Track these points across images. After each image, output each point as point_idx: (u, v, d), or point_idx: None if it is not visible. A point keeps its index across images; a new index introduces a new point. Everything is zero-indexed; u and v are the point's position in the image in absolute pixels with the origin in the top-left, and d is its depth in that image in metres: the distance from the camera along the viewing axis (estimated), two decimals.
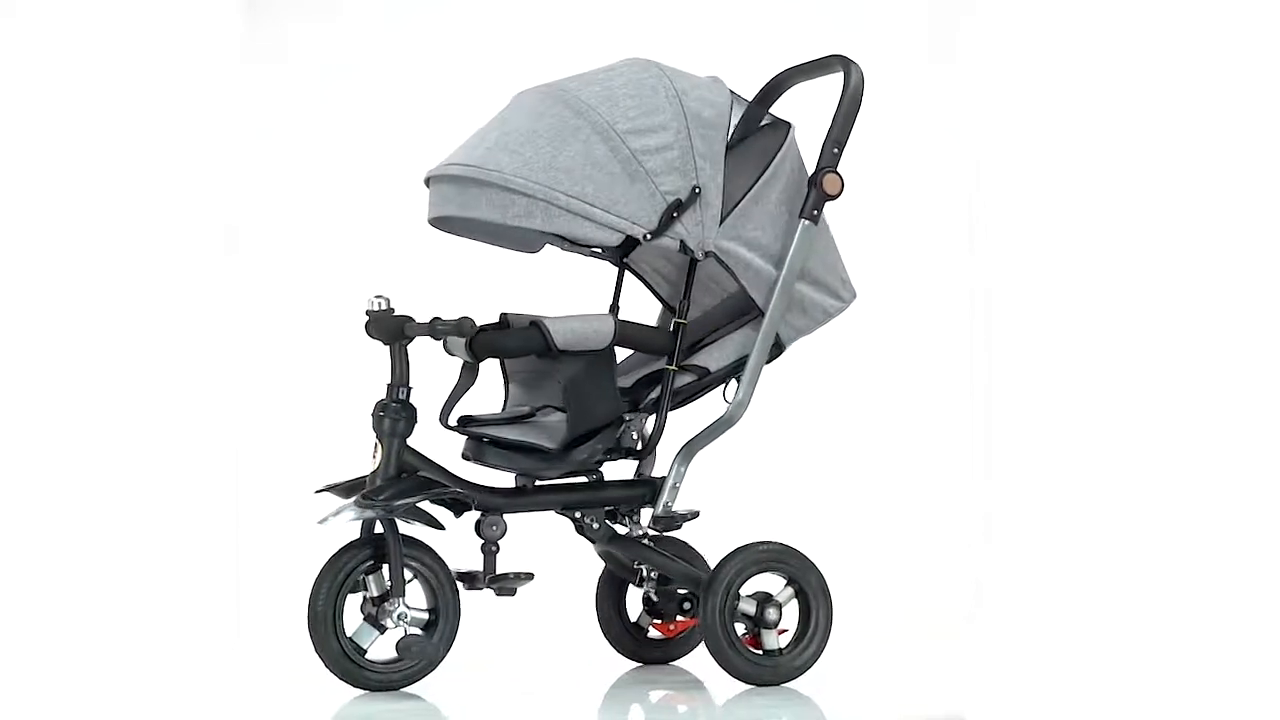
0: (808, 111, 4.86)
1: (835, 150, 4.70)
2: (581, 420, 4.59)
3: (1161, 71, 5.75)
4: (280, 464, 6.07)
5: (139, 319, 5.93)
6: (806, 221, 4.69)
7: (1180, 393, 5.66)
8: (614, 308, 4.92)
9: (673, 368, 4.65)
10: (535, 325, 4.55)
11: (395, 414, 4.55)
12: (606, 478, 4.77)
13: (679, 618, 4.96)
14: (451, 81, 6.28)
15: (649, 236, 4.55)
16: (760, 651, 4.64)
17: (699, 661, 4.92)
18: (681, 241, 4.59)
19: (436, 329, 4.50)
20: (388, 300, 4.61)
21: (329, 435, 5.58)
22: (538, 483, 4.71)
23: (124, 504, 5.81)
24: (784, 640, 4.67)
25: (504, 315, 4.67)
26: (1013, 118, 5.99)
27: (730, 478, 5.37)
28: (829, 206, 4.74)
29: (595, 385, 4.60)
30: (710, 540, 4.90)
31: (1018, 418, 5.91)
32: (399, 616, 4.50)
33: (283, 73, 6.39)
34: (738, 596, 4.60)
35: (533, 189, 4.48)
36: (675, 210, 4.57)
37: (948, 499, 6.15)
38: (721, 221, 4.62)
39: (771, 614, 4.62)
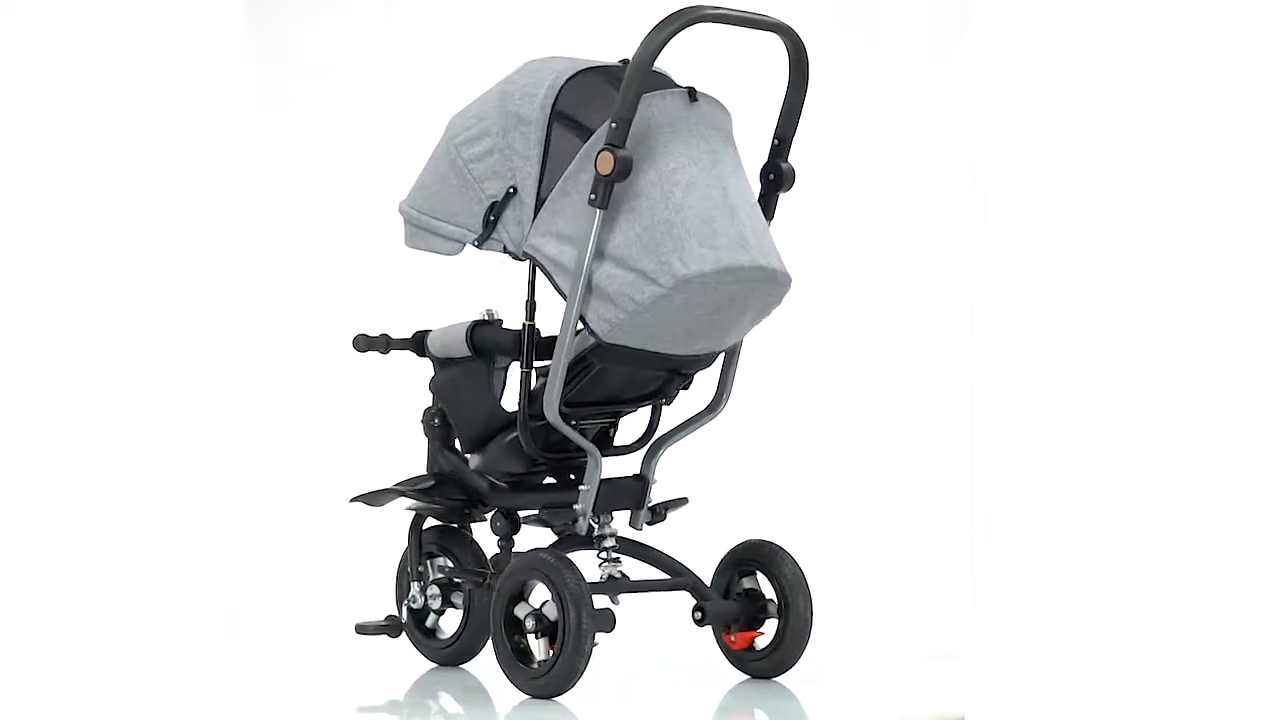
0: (756, 92, 4.72)
1: (613, 125, 4.34)
2: (461, 425, 4.72)
3: (1163, 68, 5.74)
4: (282, 464, 6.07)
5: (138, 318, 5.92)
6: (592, 206, 4.35)
7: (1178, 394, 5.64)
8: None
9: (527, 370, 4.57)
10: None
11: (434, 420, 4.81)
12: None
13: (742, 630, 4.74)
14: (452, 82, 6.24)
15: (477, 243, 4.58)
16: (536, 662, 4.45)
17: (798, 679, 4.73)
18: (503, 244, 4.57)
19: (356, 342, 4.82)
20: (493, 312, 4.74)
21: (335, 436, 5.59)
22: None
23: (123, 504, 5.80)
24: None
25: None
26: (1013, 111, 5.98)
27: (727, 476, 5.36)
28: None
29: (465, 390, 4.69)
30: (712, 540, 4.86)
31: (1016, 417, 5.89)
32: (409, 600, 4.80)
33: (283, 73, 6.39)
34: (511, 600, 4.47)
35: (400, 211, 4.70)
36: (491, 213, 4.54)
37: (945, 498, 6.13)
38: (535, 218, 4.51)
39: (529, 624, 4.44)
